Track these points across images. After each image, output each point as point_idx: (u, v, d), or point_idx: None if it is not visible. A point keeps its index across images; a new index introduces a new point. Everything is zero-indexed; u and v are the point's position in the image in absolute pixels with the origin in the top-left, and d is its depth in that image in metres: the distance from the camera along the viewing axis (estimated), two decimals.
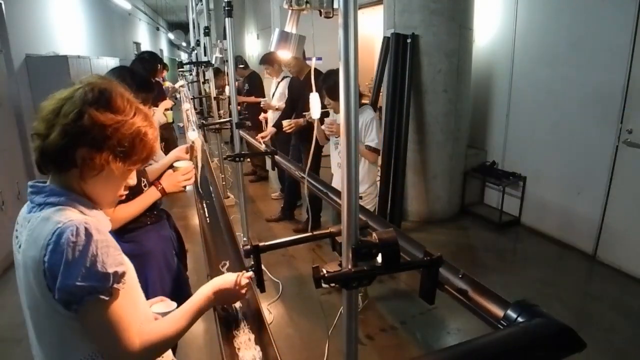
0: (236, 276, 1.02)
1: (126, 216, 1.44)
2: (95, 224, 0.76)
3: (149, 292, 1.47)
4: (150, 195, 1.53)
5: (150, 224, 1.60)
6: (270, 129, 3.73)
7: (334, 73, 2.25)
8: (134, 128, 0.82)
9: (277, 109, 4.14)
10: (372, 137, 2.48)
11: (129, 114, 0.83)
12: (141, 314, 0.88)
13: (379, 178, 2.75)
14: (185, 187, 1.65)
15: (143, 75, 1.69)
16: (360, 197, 2.47)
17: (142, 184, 1.55)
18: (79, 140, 0.77)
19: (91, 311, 0.73)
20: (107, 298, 0.73)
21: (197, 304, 0.94)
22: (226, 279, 1.01)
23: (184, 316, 0.91)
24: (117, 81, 0.90)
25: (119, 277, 0.75)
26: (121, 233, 1.48)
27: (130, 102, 0.85)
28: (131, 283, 0.83)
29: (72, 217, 0.76)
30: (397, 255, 0.81)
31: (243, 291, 1.03)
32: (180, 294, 1.60)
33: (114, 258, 0.75)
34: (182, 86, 5.67)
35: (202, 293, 0.97)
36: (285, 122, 3.56)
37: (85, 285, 0.71)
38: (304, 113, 3.42)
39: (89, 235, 0.73)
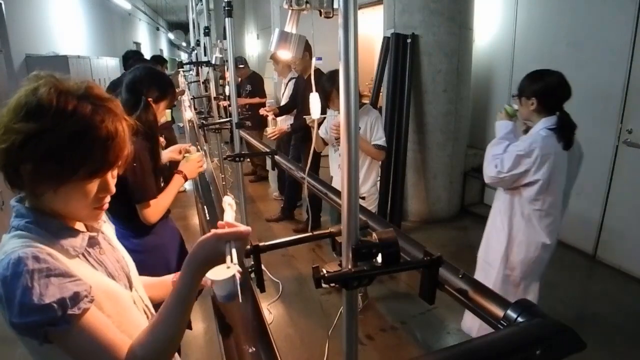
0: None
1: (167, 204, 1.61)
2: (39, 252, 0.67)
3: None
4: (178, 182, 1.69)
5: (162, 217, 1.67)
6: (282, 127, 3.69)
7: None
8: (71, 130, 0.68)
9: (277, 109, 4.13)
10: (380, 135, 2.48)
11: (62, 115, 0.68)
12: (132, 325, 0.80)
13: (379, 178, 2.75)
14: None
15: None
16: (363, 198, 2.48)
17: (160, 178, 1.65)
18: (15, 156, 0.68)
19: (59, 342, 0.67)
20: (66, 326, 0.66)
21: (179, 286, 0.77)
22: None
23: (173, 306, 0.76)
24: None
25: (68, 302, 0.65)
26: (134, 226, 1.57)
27: (67, 100, 0.69)
28: (104, 297, 0.75)
29: (16, 246, 0.68)
30: (397, 255, 0.81)
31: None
32: None
33: (57, 286, 0.66)
34: (182, 92, 5.67)
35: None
36: (269, 129, 3.57)
37: (28, 321, 0.64)
38: (304, 117, 3.42)
39: (21, 267, 0.65)
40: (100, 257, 0.83)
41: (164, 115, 1.69)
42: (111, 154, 0.73)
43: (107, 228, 0.93)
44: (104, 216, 0.90)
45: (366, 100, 4.17)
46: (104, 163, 0.73)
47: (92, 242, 0.82)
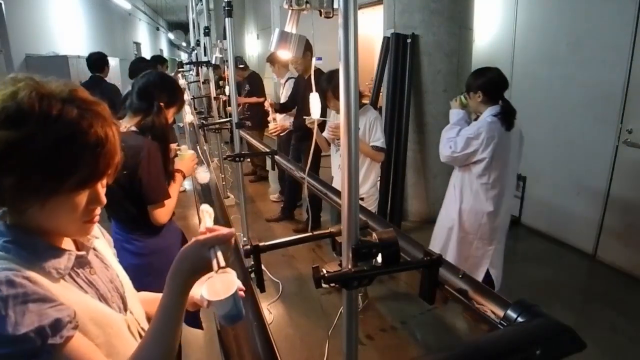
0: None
1: (174, 205, 1.63)
2: (15, 275, 0.61)
3: None
4: (179, 181, 1.72)
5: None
6: (284, 124, 3.68)
7: (338, 72, 2.25)
8: (56, 137, 0.62)
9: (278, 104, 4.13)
10: (378, 136, 2.45)
11: (45, 120, 0.62)
12: (124, 352, 0.73)
13: (379, 179, 2.74)
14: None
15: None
16: (362, 199, 2.48)
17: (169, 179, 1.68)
18: None
19: None
20: (47, 356, 0.60)
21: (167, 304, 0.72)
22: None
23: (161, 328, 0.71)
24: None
25: (48, 330, 0.60)
26: (140, 229, 1.59)
27: (51, 104, 0.63)
28: (92, 323, 0.69)
29: None
30: (397, 255, 0.81)
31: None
32: None
33: (35, 313, 0.60)
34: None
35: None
36: (271, 126, 3.57)
37: (2, 354, 0.58)
38: (304, 117, 3.42)
39: None
40: (91, 278, 0.76)
41: (171, 120, 1.72)
42: (102, 162, 0.66)
43: (100, 244, 0.86)
44: (97, 231, 0.85)
45: (366, 100, 4.17)
46: (94, 172, 0.66)
47: (82, 262, 0.75)
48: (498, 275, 2.36)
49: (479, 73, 2.24)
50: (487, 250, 2.31)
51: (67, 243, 0.75)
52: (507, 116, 2.13)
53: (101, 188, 0.71)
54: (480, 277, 2.30)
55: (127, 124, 1.56)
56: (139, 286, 1.65)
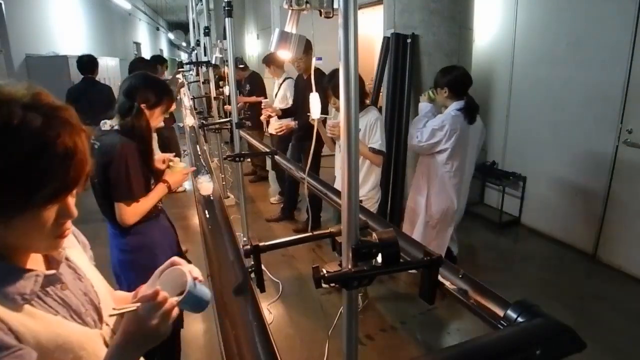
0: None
1: (145, 209, 1.61)
2: None
3: None
4: (161, 191, 1.69)
5: (154, 217, 1.72)
6: (289, 123, 3.64)
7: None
8: (19, 151, 0.55)
9: (280, 110, 4.13)
10: (376, 138, 2.40)
11: (5, 131, 0.55)
12: None
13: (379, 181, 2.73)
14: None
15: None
16: (360, 201, 2.46)
17: (151, 182, 1.68)
18: None
19: None
20: None
21: None
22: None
23: None
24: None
25: None
26: (126, 227, 1.61)
27: (11, 111, 0.56)
28: (61, 351, 0.64)
29: None
30: (397, 255, 0.81)
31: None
32: None
33: None
34: (182, 84, 5.68)
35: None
36: (276, 124, 3.56)
37: None
38: (307, 114, 3.41)
39: None
40: (62, 294, 0.70)
41: (160, 120, 1.71)
42: (72, 174, 0.59)
43: (74, 253, 0.79)
44: (70, 238, 0.79)
45: (368, 101, 4.16)
46: (63, 186, 0.60)
47: (51, 280, 0.68)
48: (453, 245, 2.79)
49: (446, 71, 2.48)
50: (448, 232, 2.59)
51: (34, 261, 0.68)
52: (469, 111, 2.39)
53: (72, 199, 0.65)
54: (442, 254, 2.52)
55: (113, 124, 1.61)
56: (125, 281, 1.72)
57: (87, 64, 4.30)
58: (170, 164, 1.80)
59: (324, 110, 3.11)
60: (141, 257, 1.66)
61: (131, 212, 1.57)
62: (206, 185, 1.99)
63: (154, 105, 1.62)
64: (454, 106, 2.41)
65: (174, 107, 3.81)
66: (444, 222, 2.59)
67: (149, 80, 1.66)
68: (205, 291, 0.74)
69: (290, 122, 3.51)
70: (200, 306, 0.74)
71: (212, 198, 2.13)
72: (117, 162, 1.50)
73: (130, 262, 1.67)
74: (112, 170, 1.50)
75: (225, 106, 4.58)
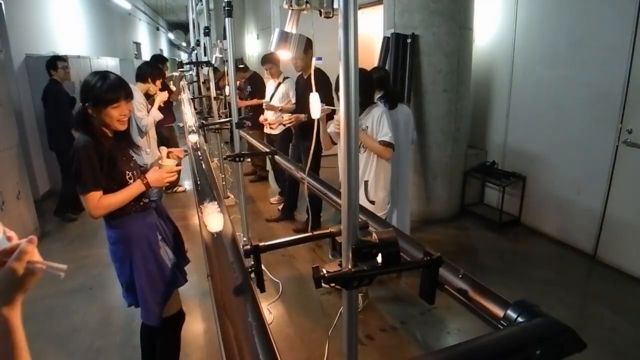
0: None
1: (110, 204, 1.64)
2: None
3: (134, 274, 1.74)
4: (135, 187, 1.70)
5: (135, 212, 1.74)
6: (299, 116, 3.59)
7: None
8: None
9: (280, 110, 4.13)
10: (385, 131, 2.39)
11: None
12: None
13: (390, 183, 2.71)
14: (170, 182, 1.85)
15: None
16: (372, 202, 2.47)
17: (127, 177, 1.70)
18: None
19: None
20: None
21: None
22: None
23: None
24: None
25: None
26: (108, 219, 1.71)
27: None
28: None
29: None
30: (397, 255, 0.81)
31: None
32: (172, 279, 1.82)
33: None
34: (179, 92, 5.65)
35: None
36: (285, 116, 3.56)
37: None
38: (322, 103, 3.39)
39: None
40: None
41: (120, 115, 1.65)
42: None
43: None
44: None
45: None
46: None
47: None
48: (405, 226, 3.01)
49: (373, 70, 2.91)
50: (392, 211, 2.84)
51: None
52: (388, 99, 2.80)
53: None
54: None
55: None
56: (115, 270, 1.81)
57: (49, 63, 4.24)
58: (160, 162, 1.80)
59: (332, 103, 3.12)
60: (118, 249, 1.74)
61: (93, 205, 1.61)
62: (214, 218, 1.48)
63: (94, 104, 1.62)
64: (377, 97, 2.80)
65: (164, 96, 3.81)
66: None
67: (87, 83, 1.67)
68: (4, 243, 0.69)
69: (300, 115, 3.49)
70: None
71: (208, 182, 2.03)
72: (72, 158, 1.60)
73: (113, 253, 1.77)
74: (73, 165, 1.60)
75: (223, 110, 4.55)
